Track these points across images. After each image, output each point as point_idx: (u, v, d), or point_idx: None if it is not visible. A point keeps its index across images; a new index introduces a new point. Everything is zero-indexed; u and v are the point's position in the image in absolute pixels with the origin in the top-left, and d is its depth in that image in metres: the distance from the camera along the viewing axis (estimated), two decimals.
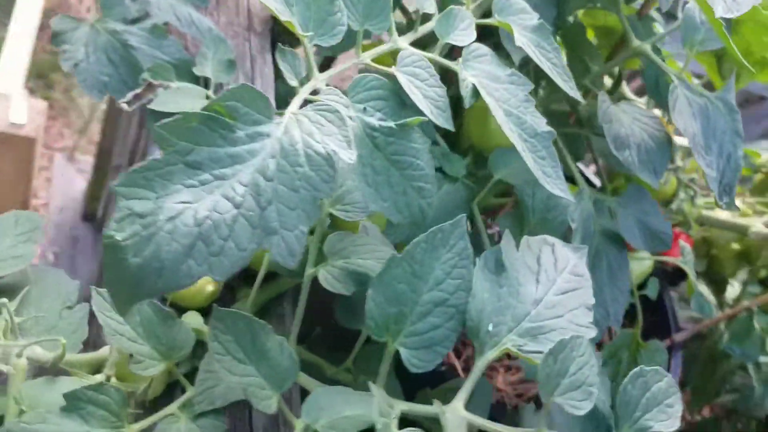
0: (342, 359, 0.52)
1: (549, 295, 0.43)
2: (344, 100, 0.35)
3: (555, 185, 0.43)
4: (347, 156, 0.31)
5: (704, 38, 0.62)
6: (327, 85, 0.37)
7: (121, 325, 0.38)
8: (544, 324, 0.41)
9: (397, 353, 0.41)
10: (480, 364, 0.40)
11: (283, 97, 0.77)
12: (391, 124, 0.37)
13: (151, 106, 0.57)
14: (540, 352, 0.40)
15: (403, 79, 0.39)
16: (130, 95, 0.60)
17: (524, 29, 0.47)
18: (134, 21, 0.65)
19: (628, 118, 0.61)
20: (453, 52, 0.52)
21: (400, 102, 0.39)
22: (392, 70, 0.39)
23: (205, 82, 0.65)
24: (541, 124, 0.44)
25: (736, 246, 1.09)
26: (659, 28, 0.76)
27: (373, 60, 0.40)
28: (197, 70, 0.64)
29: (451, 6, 0.43)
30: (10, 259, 0.49)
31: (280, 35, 0.85)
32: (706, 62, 0.82)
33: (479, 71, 0.43)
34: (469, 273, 0.40)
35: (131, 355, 0.39)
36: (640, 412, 0.38)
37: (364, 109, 0.37)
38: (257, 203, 0.30)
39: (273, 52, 0.82)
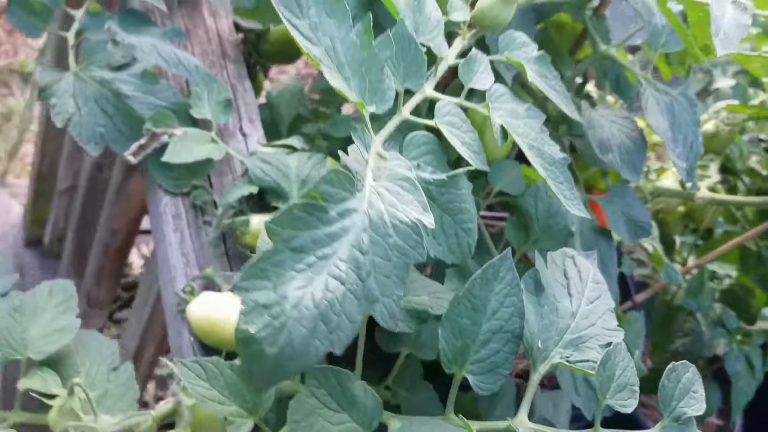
0: (371, 376, 0.56)
1: (582, 307, 0.48)
2: (405, 162, 0.38)
3: (574, 206, 0.48)
4: (428, 221, 0.35)
5: (666, 41, 0.68)
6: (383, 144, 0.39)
7: (209, 390, 0.40)
8: (582, 334, 0.46)
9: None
10: (535, 378, 0.44)
11: (268, 124, 0.78)
12: (443, 176, 0.41)
13: (166, 159, 0.58)
14: (585, 361, 0.46)
15: (444, 130, 0.42)
16: (134, 147, 0.60)
17: (528, 62, 0.51)
18: (121, 67, 0.64)
19: (607, 122, 0.67)
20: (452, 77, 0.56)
21: (444, 150, 0.42)
22: (432, 122, 0.43)
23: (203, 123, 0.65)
24: (556, 151, 0.49)
25: (681, 209, 1.20)
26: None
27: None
28: (195, 113, 0.64)
29: (470, 57, 0.47)
30: (54, 333, 0.49)
31: (249, 56, 0.86)
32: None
33: (502, 111, 0.46)
34: (519, 300, 0.44)
35: (224, 418, 0.41)
36: (676, 402, 0.44)
37: (418, 165, 0.40)
38: (358, 276, 0.33)
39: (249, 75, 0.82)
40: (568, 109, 0.52)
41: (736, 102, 1.24)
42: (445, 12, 0.51)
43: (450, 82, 0.58)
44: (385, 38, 0.39)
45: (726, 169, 1.27)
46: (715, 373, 1.60)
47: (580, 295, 0.48)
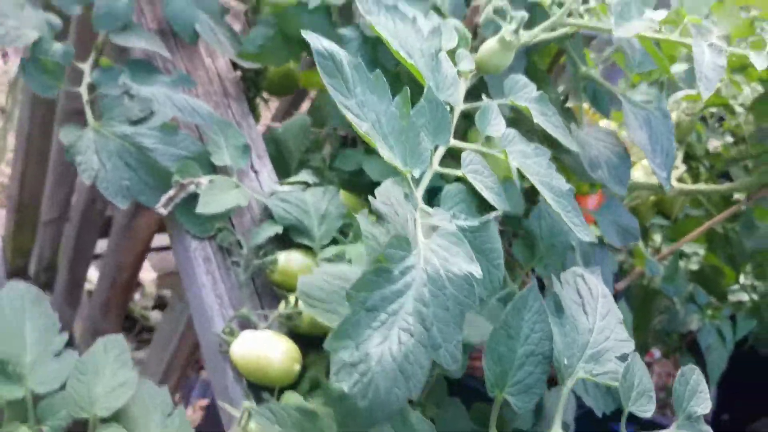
0: None
1: (597, 322, 0.54)
2: (446, 215, 0.43)
3: (583, 233, 0.54)
4: (476, 271, 0.40)
5: (641, 61, 0.74)
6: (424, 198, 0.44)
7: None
8: (600, 348, 0.52)
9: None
10: (565, 392, 0.50)
11: (275, 158, 0.82)
12: (476, 222, 0.46)
13: (200, 211, 0.61)
14: (605, 373, 0.51)
15: (470, 178, 0.47)
16: (164, 199, 0.64)
17: (530, 102, 0.57)
18: (140, 121, 0.67)
19: (593, 140, 0.73)
20: None
21: (471, 195, 0.47)
22: (460, 172, 0.47)
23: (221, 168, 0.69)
24: (563, 183, 0.54)
25: (652, 198, 1.28)
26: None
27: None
28: (216, 159, 0.67)
29: (485, 107, 0.52)
30: (117, 388, 0.53)
31: (248, 90, 0.89)
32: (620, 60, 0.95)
33: (516, 153, 0.52)
34: (546, 324, 0.50)
35: None
36: (687, 402, 0.51)
37: (453, 214, 0.45)
38: (423, 327, 0.38)
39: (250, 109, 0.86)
40: (567, 142, 0.58)
41: (693, 91, 1.32)
42: (453, 60, 0.56)
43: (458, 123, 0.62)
44: (420, 107, 0.44)
45: (689, 156, 1.35)
46: (690, 346, 1.71)
47: (594, 312, 0.54)
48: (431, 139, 0.46)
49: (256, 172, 0.77)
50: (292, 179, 0.72)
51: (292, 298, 0.62)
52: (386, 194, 0.45)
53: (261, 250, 0.66)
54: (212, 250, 0.67)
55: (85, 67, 0.72)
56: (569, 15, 0.59)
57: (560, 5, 0.63)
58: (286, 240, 0.68)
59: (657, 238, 1.43)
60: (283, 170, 0.81)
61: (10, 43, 0.64)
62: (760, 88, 1.20)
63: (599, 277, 0.59)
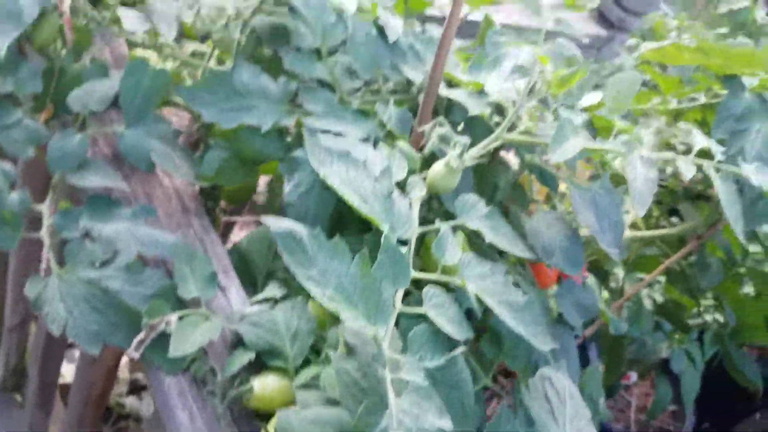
0: None
1: (567, 426, 0.56)
2: (415, 365, 0.45)
3: (542, 342, 0.57)
4: (447, 425, 0.42)
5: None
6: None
7: None
8: None
9: None
10: None
11: (240, 270, 0.83)
12: (442, 361, 0.48)
13: (172, 354, 0.62)
14: None
15: (433, 316, 0.50)
16: (135, 343, 0.64)
17: (481, 220, 0.60)
18: (105, 263, 0.67)
19: (545, 227, 0.76)
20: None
21: (437, 332, 0.50)
22: (423, 310, 0.50)
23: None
24: (520, 297, 0.57)
25: None
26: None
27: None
28: (183, 292, 0.68)
29: (440, 237, 0.54)
30: None
31: (206, 200, 0.91)
32: None
33: (474, 278, 0.55)
34: None
35: None
36: None
37: (420, 357, 0.47)
38: None
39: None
40: (519, 252, 0.61)
41: None
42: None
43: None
44: (380, 262, 0.46)
45: None
46: (664, 369, 1.75)
47: (563, 416, 0.57)
48: (392, 286, 0.48)
49: (223, 288, 0.78)
50: (260, 296, 0.74)
51: (270, 428, 0.63)
52: (356, 334, 0.47)
53: (235, 379, 0.67)
54: (186, 383, 0.67)
55: (43, 209, 0.73)
56: (510, 129, 0.63)
57: (500, 114, 0.67)
58: (260, 363, 0.69)
59: (618, 271, 1.48)
60: (249, 282, 0.82)
61: None
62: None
63: (565, 372, 0.62)
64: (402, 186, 0.59)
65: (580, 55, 0.88)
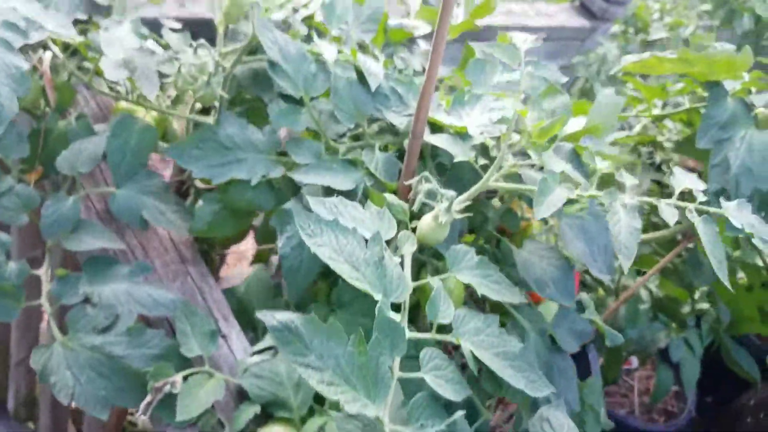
0: None
1: None
2: (416, 430, 0.46)
3: (537, 388, 0.58)
4: None
5: None
6: None
7: None
8: None
9: None
10: None
11: (240, 313, 0.84)
12: (443, 426, 0.49)
13: (179, 419, 0.64)
14: None
15: (430, 380, 0.51)
16: (143, 406, 0.66)
17: (472, 269, 0.61)
18: (106, 329, 0.69)
19: (537, 258, 0.77)
20: None
21: (437, 396, 0.51)
22: (421, 375, 0.51)
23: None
24: (515, 345, 0.59)
25: None
26: None
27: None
28: (185, 351, 0.70)
29: (432, 298, 0.56)
30: None
31: (201, 244, 0.92)
32: None
33: (468, 334, 0.56)
34: None
35: None
36: None
37: (421, 425, 0.49)
38: None
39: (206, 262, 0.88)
40: (511, 299, 0.62)
41: (623, 133, 1.39)
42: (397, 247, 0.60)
43: None
44: (375, 340, 0.48)
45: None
46: (664, 357, 1.78)
47: None
48: (390, 356, 0.49)
49: (224, 337, 0.79)
50: (261, 345, 0.75)
51: None
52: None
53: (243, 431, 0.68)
54: None
55: (41, 274, 0.74)
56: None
57: (485, 155, 0.68)
58: (265, 412, 0.70)
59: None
60: (249, 325, 0.84)
61: None
62: (687, 130, 1.28)
63: (563, 408, 0.63)
64: (392, 241, 0.60)
65: (560, 77, 0.89)
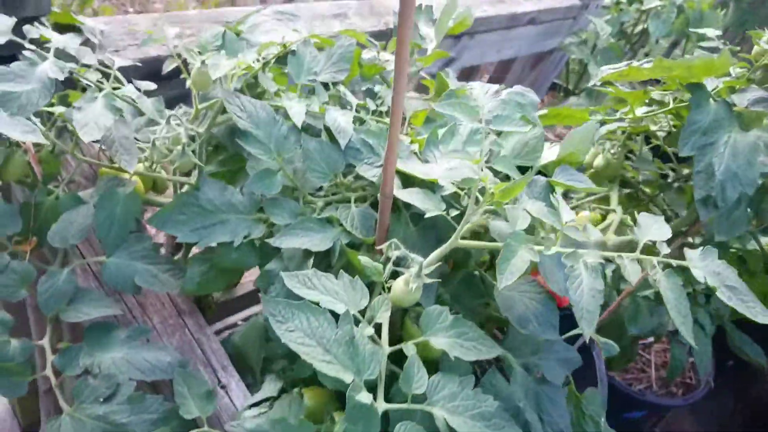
0: None
1: None
2: None
3: None
4: None
5: None
6: None
7: None
8: None
9: None
10: None
11: (236, 361, 0.87)
12: None
13: None
14: None
15: None
16: None
17: (447, 330, 0.63)
18: (109, 398, 0.72)
19: (517, 294, 0.79)
20: None
21: None
22: None
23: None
24: (489, 402, 0.61)
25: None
26: None
27: None
28: (184, 413, 0.73)
29: (406, 370, 0.58)
30: None
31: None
32: None
33: (442, 400, 0.58)
34: None
35: None
36: None
37: None
38: None
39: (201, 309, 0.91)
40: (489, 354, 0.64)
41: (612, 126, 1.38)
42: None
43: None
44: (347, 429, 0.50)
45: (624, 184, 1.42)
46: (676, 335, 1.79)
47: None
48: None
49: (224, 387, 0.83)
50: (258, 397, 0.78)
51: None
52: None
53: None
54: None
55: (45, 345, 0.77)
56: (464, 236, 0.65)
57: (458, 205, 0.69)
58: None
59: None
60: (247, 370, 0.87)
61: None
62: (678, 122, 1.27)
63: None
64: (367, 309, 0.63)
65: (535, 99, 0.89)
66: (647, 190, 1.41)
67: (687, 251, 0.67)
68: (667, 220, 1.32)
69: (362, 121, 0.83)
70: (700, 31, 1.49)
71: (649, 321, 1.33)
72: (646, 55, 2.63)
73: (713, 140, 0.96)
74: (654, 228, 0.68)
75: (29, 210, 0.83)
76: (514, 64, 2.11)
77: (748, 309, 0.63)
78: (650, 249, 0.72)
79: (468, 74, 2.16)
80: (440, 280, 0.67)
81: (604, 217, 1.38)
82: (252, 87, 0.82)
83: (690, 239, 1.22)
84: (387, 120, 0.89)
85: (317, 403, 0.79)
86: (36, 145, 0.83)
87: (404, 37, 0.54)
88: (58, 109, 0.82)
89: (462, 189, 0.71)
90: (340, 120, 0.75)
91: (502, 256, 0.59)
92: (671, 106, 1.09)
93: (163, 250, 0.98)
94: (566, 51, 2.00)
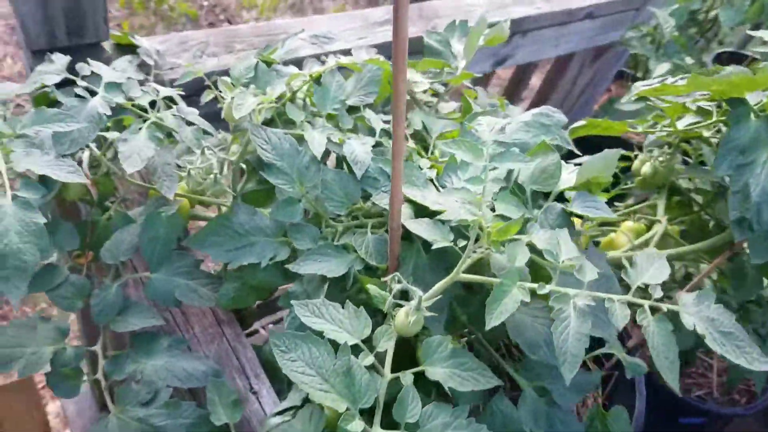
0: None
1: None
2: None
3: None
4: None
5: None
6: None
7: None
8: None
9: None
10: None
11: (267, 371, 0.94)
12: None
13: None
14: None
15: None
16: None
17: (444, 360, 0.66)
18: (149, 402, 0.81)
19: (529, 319, 0.80)
20: None
21: None
22: None
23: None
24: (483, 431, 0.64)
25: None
26: None
27: None
28: (214, 419, 0.80)
29: (400, 400, 0.62)
30: None
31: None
32: None
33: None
34: None
35: None
36: None
37: None
38: None
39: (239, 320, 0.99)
40: (486, 384, 0.67)
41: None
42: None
43: None
44: None
45: (674, 191, 1.38)
46: None
47: None
48: None
49: (255, 393, 0.90)
50: (283, 406, 0.85)
51: None
52: None
53: None
54: None
55: (97, 350, 0.87)
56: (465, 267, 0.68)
57: (465, 237, 0.72)
58: None
59: None
60: (277, 379, 0.94)
61: (32, 370, 0.79)
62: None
63: None
64: (370, 338, 0.67)
65: (561, 119, 0.89)
66: (699, 198, 1.37)
67: (681, 295, 0.67)
68: (721, 229, 1.29)
69: (381, 146, 0.87)
70: None
71: (686, 339, 1.30)
72: (720, 43, 2.50)
73: (751, 160, 0.93)
74: (652, 269, 0.68)
75: (85, 228, 0.92)
76: (572, 61, 2.07)
77: (744, 355, 0.63)
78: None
79: (523, 71, 2.13)
80: (443, 311, 0.71)
81: (649, 228, 1.36)
82: (281, 114, 0.88)
83: (737, 251, 1.19)
84: (411, 144, 0.92)
85: (337, 415, 0.84)
86: (91, 168, 0.92)
87: (400, 84, 0.57)
88: (113, 135, 0.91)
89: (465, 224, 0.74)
90: (358, 151, 0.79)
91: (492, 296, 0.62)
92: (714, 118, 1.06)
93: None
94: (627, 46, 1.94)
